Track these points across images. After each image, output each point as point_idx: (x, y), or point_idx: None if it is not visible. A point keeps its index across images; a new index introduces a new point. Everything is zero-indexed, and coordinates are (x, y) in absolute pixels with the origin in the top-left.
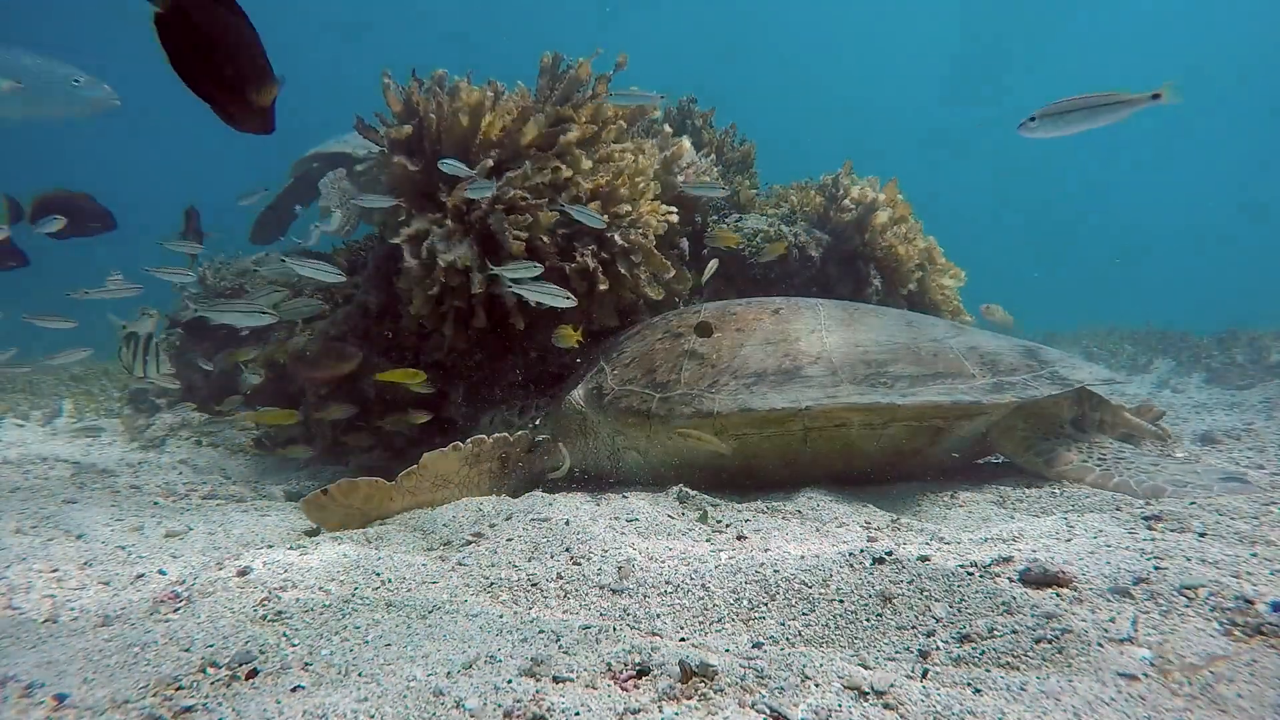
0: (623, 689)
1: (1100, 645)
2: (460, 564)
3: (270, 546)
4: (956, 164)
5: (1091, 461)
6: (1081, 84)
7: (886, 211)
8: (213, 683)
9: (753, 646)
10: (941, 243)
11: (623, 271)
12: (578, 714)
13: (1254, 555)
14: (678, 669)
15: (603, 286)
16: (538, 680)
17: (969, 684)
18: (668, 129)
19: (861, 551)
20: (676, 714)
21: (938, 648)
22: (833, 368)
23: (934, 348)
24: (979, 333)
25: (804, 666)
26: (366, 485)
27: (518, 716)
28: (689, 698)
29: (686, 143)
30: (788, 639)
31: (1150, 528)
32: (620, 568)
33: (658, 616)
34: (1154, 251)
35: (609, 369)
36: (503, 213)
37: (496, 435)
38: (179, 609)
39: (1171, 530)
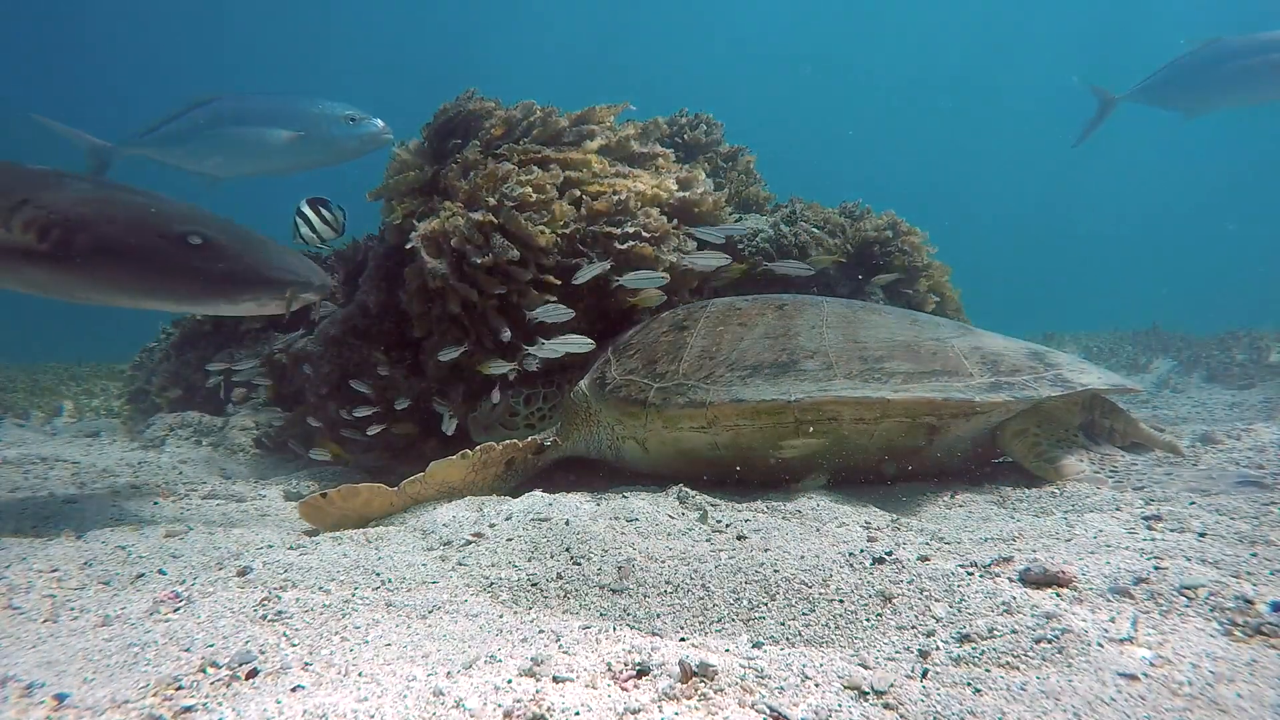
0: (623, 689)
1: (1100, 645)
2: (460, 564)
3: (270, 546)
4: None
5: (1105, 473)
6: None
7: (922, 234)
8: (213, 683)
9: (753, 646)
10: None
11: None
12: (578, 714)
13: (1254, 555)
14: (678, 669)
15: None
16: (538, 680)
17: (969, 684)
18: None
19: (861, 551)
20: (676, 714)
21: (938, 648)
22: (829, 362)
23: (935, 346)
24: (987, 335)
25: (804, 666)
26: (367, 491)
27: (518, 716)
28: (689, 698)
29: (701, 174)
30: (788, 639)
31: (1150, 528)
32: (620, 568)
33: (658, 616)
34: (1152, 253)
35: (614, 359)
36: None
37: (506, 442)
38: (179, 608)
39: (1171, 530)
